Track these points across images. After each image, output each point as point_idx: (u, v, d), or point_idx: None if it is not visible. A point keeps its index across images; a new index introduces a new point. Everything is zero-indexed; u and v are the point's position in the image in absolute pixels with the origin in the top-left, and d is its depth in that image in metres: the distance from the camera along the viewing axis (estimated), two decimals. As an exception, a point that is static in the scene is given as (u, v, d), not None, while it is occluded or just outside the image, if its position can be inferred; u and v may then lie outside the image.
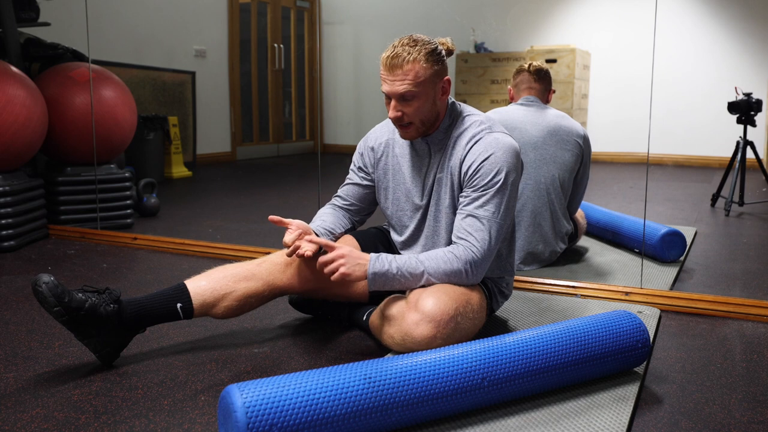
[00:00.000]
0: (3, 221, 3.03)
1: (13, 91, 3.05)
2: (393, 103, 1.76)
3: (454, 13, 5.97)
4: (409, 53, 1.71)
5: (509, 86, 2.87)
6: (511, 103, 2.84)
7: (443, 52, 1.79)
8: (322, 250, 1.87)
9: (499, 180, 1.75)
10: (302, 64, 7.96)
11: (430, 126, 1.82)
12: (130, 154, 4.92)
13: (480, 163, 1.76)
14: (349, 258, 1.68)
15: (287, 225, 1.83)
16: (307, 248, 1.76)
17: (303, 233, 1.83)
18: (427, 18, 6.25)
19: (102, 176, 3.54)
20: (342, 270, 1.67)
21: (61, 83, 3.46)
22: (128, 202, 3.62)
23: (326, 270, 1.68)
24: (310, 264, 1.87)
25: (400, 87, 1.72)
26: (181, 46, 6.37)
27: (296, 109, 7.98)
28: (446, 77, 1.80)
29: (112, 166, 3.62)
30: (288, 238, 1.80)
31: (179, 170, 5.75)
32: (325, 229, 1.92)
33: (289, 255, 1.77)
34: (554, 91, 2.86)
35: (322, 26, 7.69)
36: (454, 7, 5.98)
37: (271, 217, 1.81)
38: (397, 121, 1.79)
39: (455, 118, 1.85)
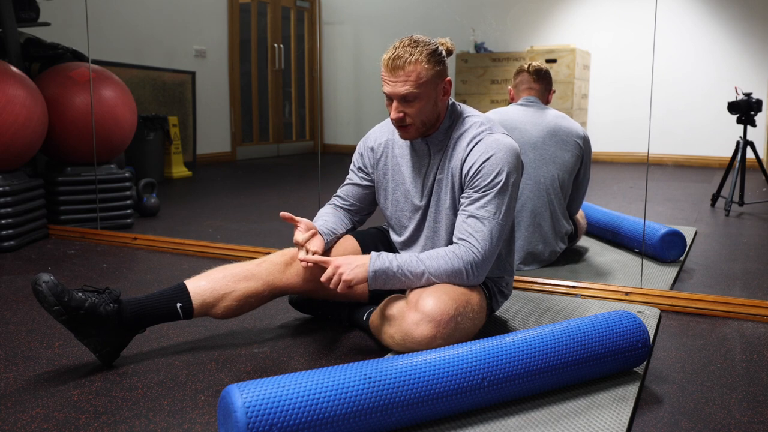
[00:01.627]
0: (3, 221, 3.03)
1: (13, 91, 3.05)
2: (394, 104, 1.75)
3: (454, 13, 5.97)
4: (410, 54, 1.71)
5: (509, 87, 2.86)
6: (511, 103, 2.84)
7: (444, 53, 1.79)
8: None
9: (500, 181, 1.75)
10: (302, 64, 7.96)
11: (430, 127, 1.82)
12: (130, 154, 4.92)
13: (481, 164, 1.76)
14: (345, 265, 1.69)
15: (297, 223, 1.84)
16: (314, 247, 1.81)
17: (314, 233, 1.86)
18: (427, 18, 6.25)
19: (102, 176, 3.54)
20: (344, 278, 1.67)
21: (61, 83, 3.46)
22: (128, 202, 3.62)
23: (331, 285, 1.69)
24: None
25: (402, 88, 1.72)
26: (181, 46, 6.37)
27: (296, 109, 7.97)
28: (447, 78, 1.80)
29: (112, 166, 3.62)
30: (301, 237, 1.83)
31: (179, 170, 5.75)
32: (328, 229, 1.92)
33: (301, 258, 1.78)
34: (554, 92, 2.86)
35: (322, 26, 7.69)
36: (454, 7, 5.98)
37: (282, 213, 1.82)
38: (399, 122, 1.79)
39: (455, 119, 1.85)
